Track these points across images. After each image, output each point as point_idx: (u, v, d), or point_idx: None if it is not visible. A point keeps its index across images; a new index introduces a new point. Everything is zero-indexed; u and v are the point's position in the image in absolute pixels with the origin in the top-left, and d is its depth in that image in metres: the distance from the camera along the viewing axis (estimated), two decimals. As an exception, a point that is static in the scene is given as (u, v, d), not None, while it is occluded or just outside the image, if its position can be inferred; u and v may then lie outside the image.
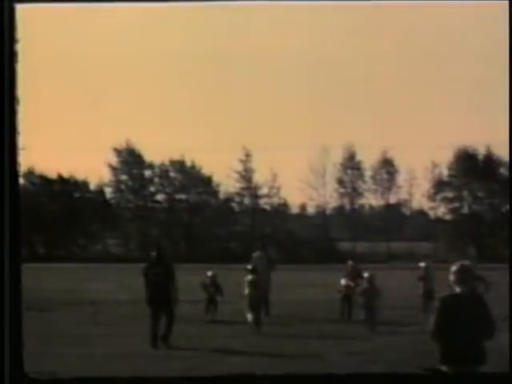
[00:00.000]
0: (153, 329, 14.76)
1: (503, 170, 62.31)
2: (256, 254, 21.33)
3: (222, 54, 72.25)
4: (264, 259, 21.15)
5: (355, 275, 19.54)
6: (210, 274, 20.01)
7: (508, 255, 45.74)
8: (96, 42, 77.44)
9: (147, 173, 66.35)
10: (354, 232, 65.36)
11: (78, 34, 73.61)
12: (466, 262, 7.91)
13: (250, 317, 17.33)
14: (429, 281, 18.89)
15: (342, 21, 66.90)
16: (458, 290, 7.63)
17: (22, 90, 6.70)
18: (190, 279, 22.28)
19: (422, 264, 19.64)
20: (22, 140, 6.92)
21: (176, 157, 64.77)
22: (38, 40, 48.44)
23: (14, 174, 6.74)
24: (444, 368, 7.56)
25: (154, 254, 15.48)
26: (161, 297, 14.95)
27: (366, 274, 18.15)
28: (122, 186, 66.41)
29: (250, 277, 18.12)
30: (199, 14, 58.49)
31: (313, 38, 60.12)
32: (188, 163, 65.42)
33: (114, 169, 65.91)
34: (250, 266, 18.47)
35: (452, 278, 7.66)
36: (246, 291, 17.83)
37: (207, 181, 65.79)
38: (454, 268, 7.69)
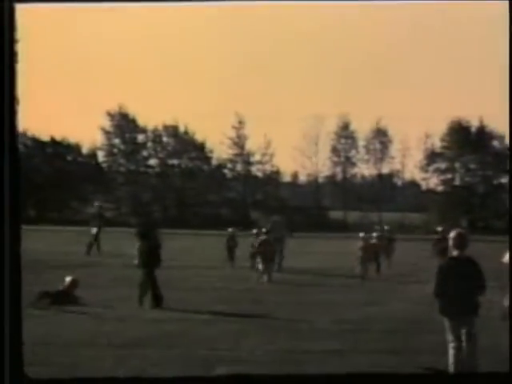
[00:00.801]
0: (143, 290, 15.08)
1: (496, 143, 62.39)
2: (274, 218, 21.74)
3: (217, 21, 71.69)
4: (282, 223, 21.52)
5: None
6: (230, 230, 22.19)
7: (498, 227, 45.86)
8: (95, 42, 76.89)
9: (140, 137, 66.13)
10: (345, 201, 65.49)
11: (78, 34, 72.90)
12: (463, 230, 9.02)
13: (264, 276, 18.22)
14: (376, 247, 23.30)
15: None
16: (455, 253, 8.69)
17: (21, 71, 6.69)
18: (181, 244, 22.34)
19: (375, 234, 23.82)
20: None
21: (169, 122, 64.67)
22: (38, 40, 48.02)
23: (15, 172, 6.75)
24: (444, 319, 8.62)
25: (144, 219, 15.83)
26: (153, 261, 15.21)
27: (361, 235, 20.90)
28: (115, 150, 66.18)
29: (262, 237, 19.17)
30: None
31: (311, 6, 59.57)
32: (181, 128, 65.31)
33: (106, 132, 65.67)
34: (255, 230, 19.60)
35: (450, 243, 8.72)
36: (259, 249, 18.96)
37: (200, 146, 65.58)
38: (452, 234, 8.77)
